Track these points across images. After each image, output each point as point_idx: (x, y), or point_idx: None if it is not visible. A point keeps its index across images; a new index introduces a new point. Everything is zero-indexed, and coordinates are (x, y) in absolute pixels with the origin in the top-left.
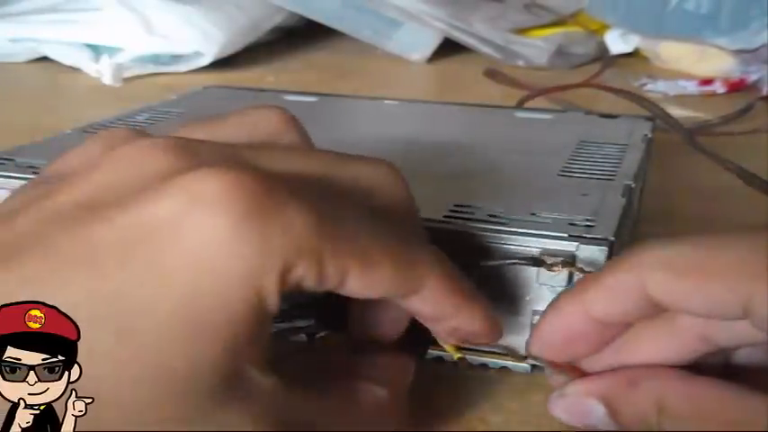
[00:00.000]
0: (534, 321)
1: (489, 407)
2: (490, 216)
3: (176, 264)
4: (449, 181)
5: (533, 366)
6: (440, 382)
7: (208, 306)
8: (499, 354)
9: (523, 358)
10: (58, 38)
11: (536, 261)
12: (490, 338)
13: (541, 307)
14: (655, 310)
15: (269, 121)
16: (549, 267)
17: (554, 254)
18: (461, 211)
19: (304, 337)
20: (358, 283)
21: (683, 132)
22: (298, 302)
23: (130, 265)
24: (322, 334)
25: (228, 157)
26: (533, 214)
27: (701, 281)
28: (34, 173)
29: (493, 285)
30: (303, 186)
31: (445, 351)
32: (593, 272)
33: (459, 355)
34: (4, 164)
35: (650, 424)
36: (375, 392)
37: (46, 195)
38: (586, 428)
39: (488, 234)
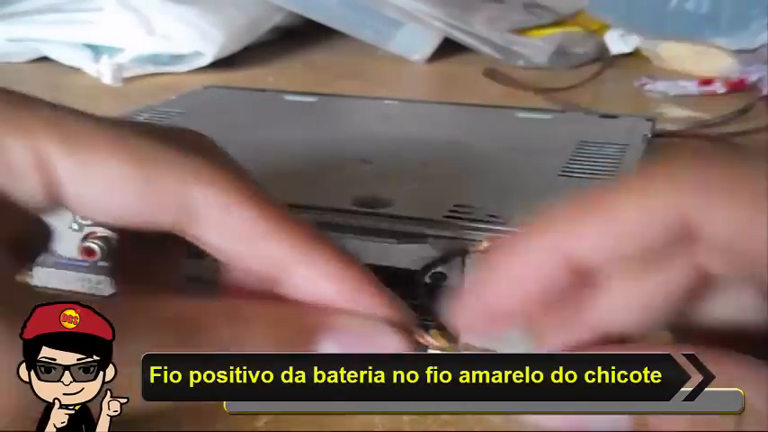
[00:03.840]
0: None
1: None
2: (490, 216)
3: None
4: (449, 181)
5: None
6: None
7: None
8: None
9: None
10: (59, 38)
11: None
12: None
13: None
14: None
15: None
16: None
17: None
18: (461, 211)
19: None
20: (72, 174)
21: None
22: None
23: None
24: None
25: None
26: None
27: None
28: None
29: None
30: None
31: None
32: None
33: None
34: None
35: None
36: None
37: None
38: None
39: (488, 234)
